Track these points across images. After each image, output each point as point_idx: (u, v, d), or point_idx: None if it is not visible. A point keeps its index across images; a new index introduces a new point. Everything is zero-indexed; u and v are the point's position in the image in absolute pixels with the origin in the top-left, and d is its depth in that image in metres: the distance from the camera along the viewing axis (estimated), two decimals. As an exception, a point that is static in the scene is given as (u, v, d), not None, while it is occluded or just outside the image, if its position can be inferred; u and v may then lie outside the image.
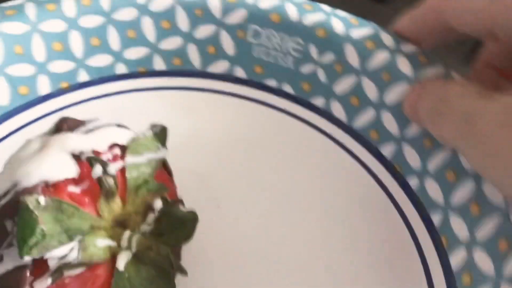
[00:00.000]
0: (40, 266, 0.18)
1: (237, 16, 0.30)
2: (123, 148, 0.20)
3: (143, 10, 0.30)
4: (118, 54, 0.30)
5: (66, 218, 0.18)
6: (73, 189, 0.19)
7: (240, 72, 0.31)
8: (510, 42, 0.21)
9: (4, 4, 0.29)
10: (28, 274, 0.17)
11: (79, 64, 0.30)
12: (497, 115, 0.19)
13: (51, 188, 0.18)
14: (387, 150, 0.27)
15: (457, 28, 0.23)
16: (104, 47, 0.30)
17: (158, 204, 0.20)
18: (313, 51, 0.29)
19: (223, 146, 0.29)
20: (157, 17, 0.30)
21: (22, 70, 0.29)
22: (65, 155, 0.19)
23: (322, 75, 0.29)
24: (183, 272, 0.20)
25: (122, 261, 0.19)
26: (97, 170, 0.19)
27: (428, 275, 0.24)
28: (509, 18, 0.20)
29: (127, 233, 0.20)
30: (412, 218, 0.25)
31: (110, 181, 0.19)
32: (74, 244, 0.18)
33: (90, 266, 0.18)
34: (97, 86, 0.31)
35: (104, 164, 0.19)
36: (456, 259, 0.23)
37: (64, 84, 0.30)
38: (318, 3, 0.29)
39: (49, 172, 0.18)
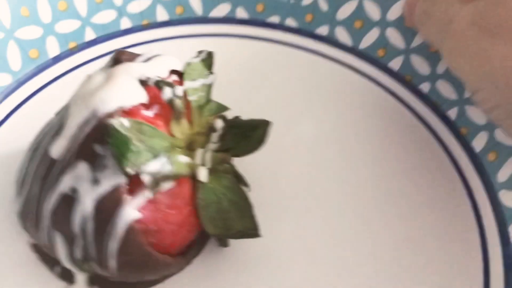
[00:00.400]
0: (134, 184, 0.18)
1: (234, -42, 0.31)
2: (180, 74, 0.21)
3: (142, -39, 0.30)
4: (121, 8, 0.31)
5: (148, 138, 0.18)
6: (146, 113, 0.19)
7: (242, 13, 0.32)
8: None
9: (2, -33, 0.28)
10: (124, 192, 0.18)
11: (85, 22, 0.30)
12: (469, 15, 0.21)
13: (127, 113, 0.19)
14: (395, 64, 0.29)
15: None
16: (108, 3, 0.30)
17: (219, 123, 0.21)
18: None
19: (235, 88, 0.30)
20: (156, -33, 0.31)
21: (31, 32, 0.28)
22: (133, 81, 0.20)
23: (323, 4, 0.31)
24: (247, 185, 0.22)
25: (203, 174, 0.20)
26: (167, 92, 0.20)
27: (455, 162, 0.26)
28: None
29: (199, 151, 0.21)
30: (428, 117, 0.28)
31: (179, 102, 0.20)
32: (163, 159, 0.19)
33: (177, 181, 0.19)
34: (104, 43, 0.31)
35: (172, 86, 0.20)
36: (479, 142, 0.26)
37: (72, 44, 0.30)
38: None
39: (123, 98, 0.19)
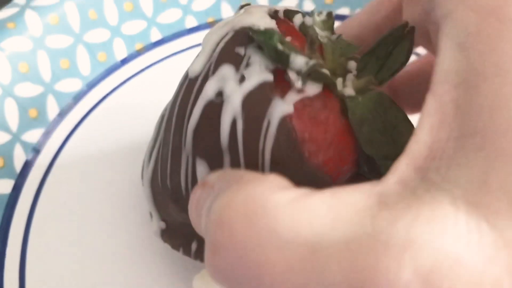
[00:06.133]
0: (281, 82, 0.16)
1: (301, -51, 0.30)
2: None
3: (207, -43, 0.29)
4: (186, 7, 0.30)
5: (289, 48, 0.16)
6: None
7: (309, 6, 0.31)
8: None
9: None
10: (273, 87, 0.16)
11: (151, 23, 0.29)
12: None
13: None
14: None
15: None
16: (173, 2, 0.30)
17: (352, 64, 0.18)
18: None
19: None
20: (221, -38, 0.30)
21: (99, 35, 0.28)
22: (264, 14, 0.17)
23: (397, -7, 0.29)
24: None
25: (349, 90, 0.17)
26: (297, 20, 0.17)
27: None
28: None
29: (339, 80, 0.17)
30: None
31: (312, 28, 0.17)
32: (307, 59, 0.16)
33: (323, 89, 0.16)
34: (169, 43, 0.30)
35: (302, 14, 0.18)
36: None
37: (138, 46, 0.29)
38: None
39: (257, 23, 0.17)
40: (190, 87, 0.17)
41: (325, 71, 0.16)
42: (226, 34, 0.17)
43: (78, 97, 0.27)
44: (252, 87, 0.16)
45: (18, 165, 0.25)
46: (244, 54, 0.16)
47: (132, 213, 0.24)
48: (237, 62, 0.16)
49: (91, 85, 0.28)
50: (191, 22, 0.30)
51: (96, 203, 0.24)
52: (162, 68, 0.29)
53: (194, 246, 0.20)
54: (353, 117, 0.16)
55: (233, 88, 0.16)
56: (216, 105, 0.16)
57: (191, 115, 0.17)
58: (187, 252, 0.20)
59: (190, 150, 0.17)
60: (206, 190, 0.14)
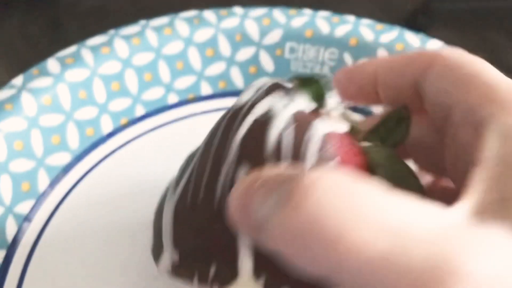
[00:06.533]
0: (316, 114, 0.19)
1: (273, 36, 0.33)
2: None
3: (188, 42, 0.33)
4: (169, 85, 0.33)
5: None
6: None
7: (280, 86, 0.34)
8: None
9: (62, 53, 0.31)
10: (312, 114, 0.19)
11: (135, 100, 0.32)
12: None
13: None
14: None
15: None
16: (156, 81, 0.33)
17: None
18: (348, 58, 0.32)
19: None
20: (201, 46, 0.33)
21: (87, 113, 0.31)
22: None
23: (358, 78, 0.33)
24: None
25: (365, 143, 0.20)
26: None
27: None
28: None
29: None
30: None
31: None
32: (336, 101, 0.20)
33: (347, 133, 0.19)
34: (152, 117, 0.33)
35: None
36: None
37: (123, 121, 0.32)
38: (343, 15, 0.33)
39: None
40: (236, 113, 0.20)
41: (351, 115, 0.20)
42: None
43: (66, 169, 0.30)
44: (297, 109, 0.19)
45: (10, 236, 0.27)
46: (289, 92, 0.19)
47: (123, 277, 0.26)
48: (284, 94, 0.19)
49: (79, 158, 0.31)
50: (173, 99, 0.33)
51: (83, 271, 0.26)
52: (145, 141, 0.32)
53: (213, 269, 0.19)
54: (371, 160, 0.19)
55: (281, 107, 0.19)
56: (264, 121, 0.19)
57: (238, 130, 0.19)
58: (203, 278, 0.19)
59: (235, 158, 0.19)
60: (263, 179, 0.15)
